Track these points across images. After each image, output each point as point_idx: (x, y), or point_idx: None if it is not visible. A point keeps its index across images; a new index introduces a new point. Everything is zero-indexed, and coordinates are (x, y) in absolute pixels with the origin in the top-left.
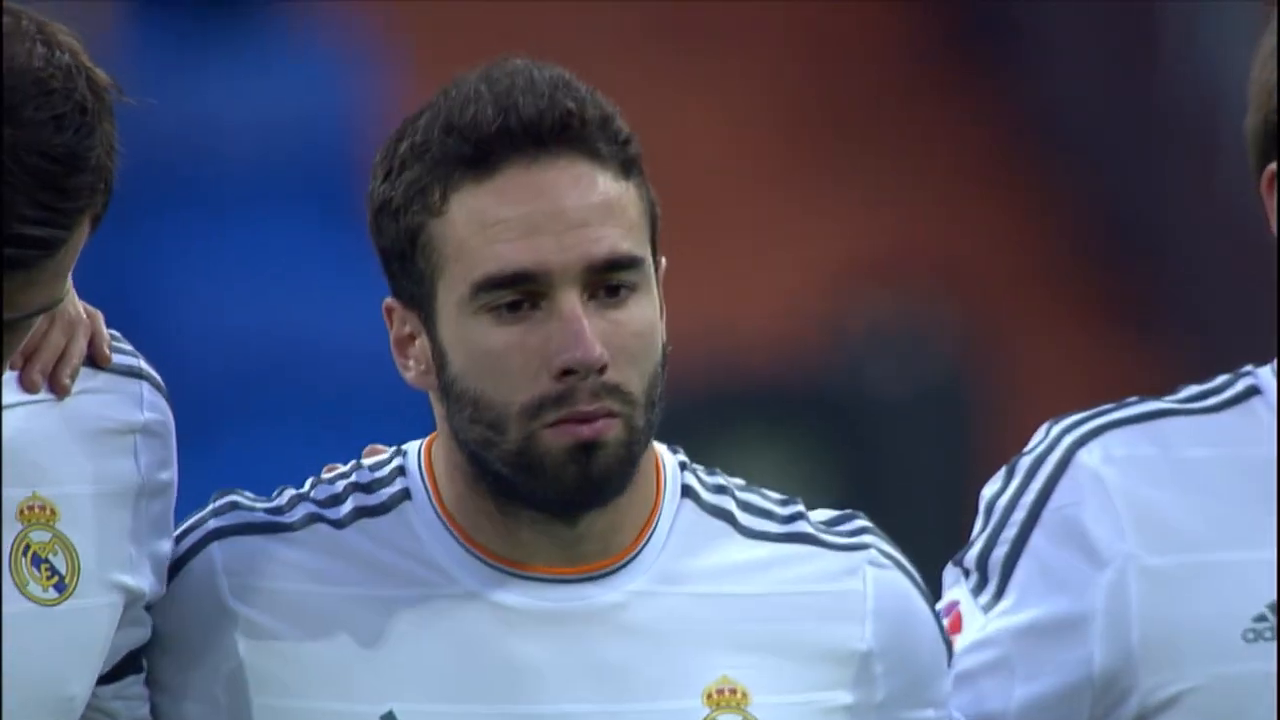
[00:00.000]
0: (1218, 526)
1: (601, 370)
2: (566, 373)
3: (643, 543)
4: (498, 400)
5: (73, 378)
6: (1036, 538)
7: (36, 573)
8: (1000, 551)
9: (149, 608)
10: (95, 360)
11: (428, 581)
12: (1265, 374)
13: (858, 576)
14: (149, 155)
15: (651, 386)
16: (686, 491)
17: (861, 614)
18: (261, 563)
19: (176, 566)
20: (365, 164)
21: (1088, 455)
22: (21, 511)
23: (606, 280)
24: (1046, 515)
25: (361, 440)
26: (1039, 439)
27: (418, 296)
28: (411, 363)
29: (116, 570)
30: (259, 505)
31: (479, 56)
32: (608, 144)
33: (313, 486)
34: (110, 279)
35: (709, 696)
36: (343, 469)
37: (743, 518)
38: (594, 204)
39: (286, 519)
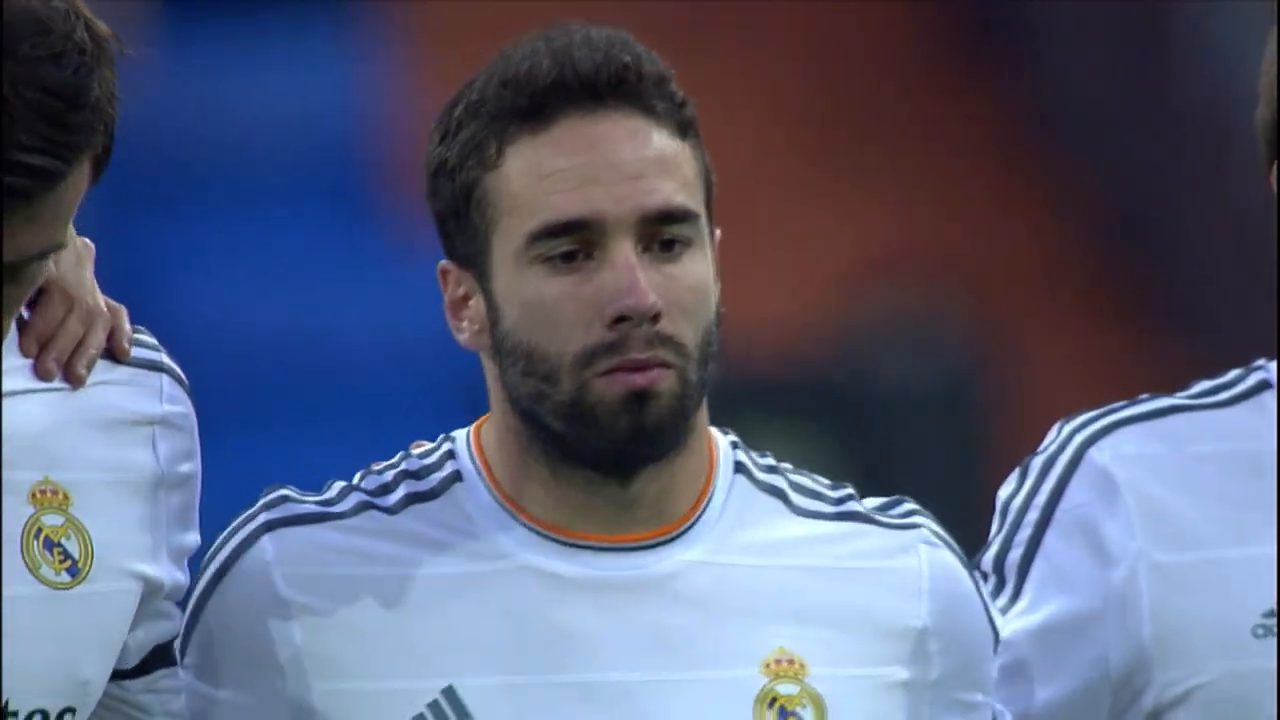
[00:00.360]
0: (1228, 522)
1: (655, 319)
2: (619, 320)
3: (697, 514)
4: (551, 351)
5: (88, 368)
6: (1049, 538)
7: (49, 556)
8: (1016, 553)
9: (180, 603)
10: (114, 354)
11: (482, 557)
12: (1277, 368)
13: (912, 554)
14: (162, 150)
15: (705, 343)
16: (739, 468)
17: (917, 590)
18: (315, 551)
19: (229, 562)
20: (378, 161)
21: (1098, 454)
22: (34, 495)
23: (660, 233)
24: (1059, 515)
25: (374, 436)
26: (1051, 439)
27: (472, 254)
28: (465, 324)
29: (133, 559)
30: (309, 498)
31: (491, 55)
32: (663, 101)
33: (362, 478)
34: (122, 273)
35: (766, 666)
36: (391, 461)
37: (795, 497)
38: (649, 157)
39: (338, 508)
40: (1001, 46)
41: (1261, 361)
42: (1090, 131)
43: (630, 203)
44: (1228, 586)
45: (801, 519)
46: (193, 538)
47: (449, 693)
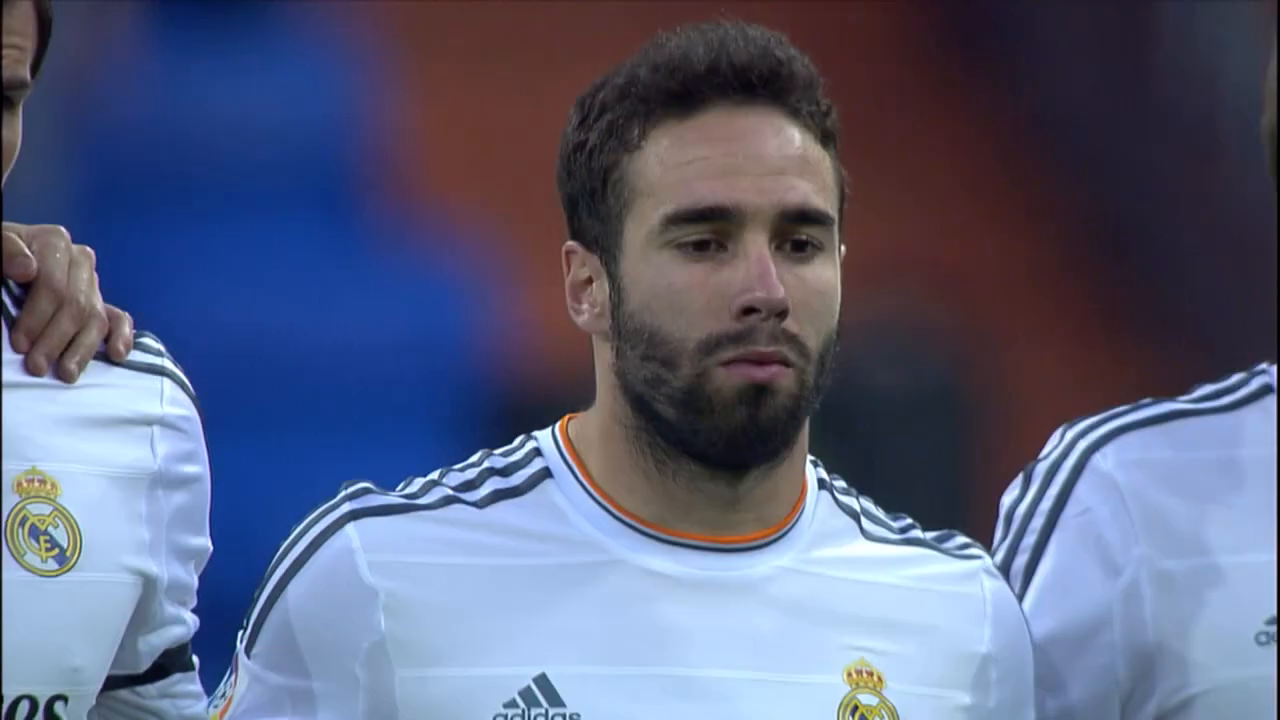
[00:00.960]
0: (1232, 529)
1: (782, 315)
2: (748, 311)
3: (793, 521)
4: (674, 335)
5: (80, 366)
6: (1054, 544)
7: (35, 544)
8: (1021, 559)
9: (195, 609)
10: (109, 357)
11: (576, 550)
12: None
13: (975, 582)
14: (149, 157)
15: (826, 349)
16: (822, 484)
17: (981, 617)
18: (401, 539)
19: (310, 550)
20: (366, 167)
21: (1102, 459)
22: (19, 484)
23: (795, 232)
24: (1064, 521)
25: (366, 444)
26: (1054, 444)
27: (602, 235)
28: (585, 306)
29: (127, 552)
30: (392, 492)
31: (480, 59)
32: (810, 105)
33: (443, 475)
34: (111, 279)
35: (849, 675)
36: (471, 460)
37: (865, 521)
38: (792, 155)
39: (422, 500)
40: (991, 55)
41: (1263, 365)
42: (1078, 139)
43: (772, 196)
44: (1231, 593)
45: (871, 543)
46: (201, 542)
47: (541, 680)
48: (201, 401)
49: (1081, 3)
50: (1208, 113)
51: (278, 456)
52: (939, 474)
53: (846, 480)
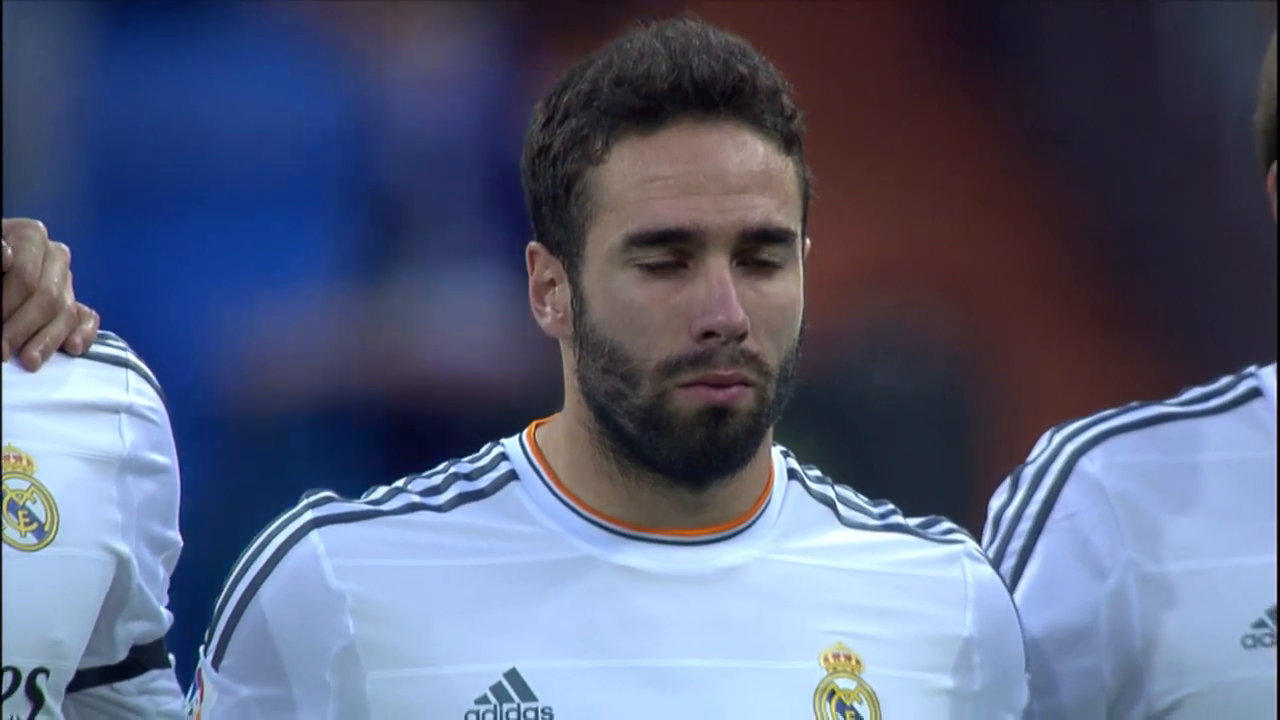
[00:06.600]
0: (1218, 532)
1: (741, 337)
2: (708, 335)
3: (759, 511)
4: (635, 354)
5: (44, 355)
6: (1041, 548)
7: (14, 518)
8: (1009, 564)
9: (170, 605)
10: (66, 349)
11: (543, 547)
12: (1268, 375)
13: (957, 565)
14: (130, 159)
15: (787, 362)
16: (792, 474)
17: (963, 600)
18: (366, 544)
19: (275, 559)
20: (348, 168)
21: (1089, 463)
22: None
23: (757, 250)
24: (1050, 525)
25: (350, 441)
26: (1041, 448)
27: (565, 243)
28: (549, 309)
29: (101, 531)
30: (355, 500)
31: (456, 62)
32: (774, 115)
33: (408, 482)
34: (93, 283)
35: (826, 660)
36: (437, 468)
37: (842, 508)
38: (754, 171)
39: (386, 507)
40: (992, 57)
41: (1252, 369)
42: (1080, 142)
43: (732, 217)
44: (1217, 597)
45: (849, 529)
46: (172, 534)
47: (512, 675)
48: (185, 402)
49: (1085, 9)
50: (1211, 114)
51: (264, 454)
52: (941, 477)
53: (848, 483)
